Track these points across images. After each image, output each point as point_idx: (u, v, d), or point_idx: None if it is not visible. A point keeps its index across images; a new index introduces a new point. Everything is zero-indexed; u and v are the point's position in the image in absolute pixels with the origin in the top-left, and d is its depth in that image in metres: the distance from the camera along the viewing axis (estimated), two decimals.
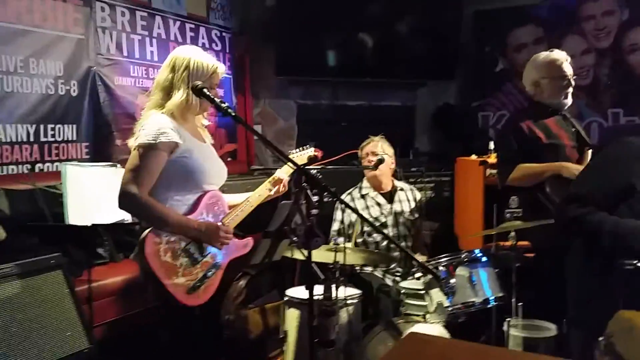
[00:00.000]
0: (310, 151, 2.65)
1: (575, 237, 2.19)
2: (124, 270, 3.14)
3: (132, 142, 2.17)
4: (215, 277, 2.23)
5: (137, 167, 2.09)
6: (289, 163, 2.20)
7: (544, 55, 3.05)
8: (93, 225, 2.89)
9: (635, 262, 1.82)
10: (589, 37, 4.72)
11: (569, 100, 3.03)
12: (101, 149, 3.75)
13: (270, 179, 2.47)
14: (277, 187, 2.46)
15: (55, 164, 3.44)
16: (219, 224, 2.25)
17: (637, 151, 2.06)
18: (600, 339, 0.97)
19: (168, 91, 2.19)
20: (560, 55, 3.02)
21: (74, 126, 3.60)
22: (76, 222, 2.85)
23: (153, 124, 2.12)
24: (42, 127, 3.40)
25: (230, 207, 2.36)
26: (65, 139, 3.55)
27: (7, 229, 2.83)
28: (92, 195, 2.91)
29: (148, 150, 2.09)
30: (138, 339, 2.77)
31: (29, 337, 2.24)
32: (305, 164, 2.53)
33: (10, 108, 3.22)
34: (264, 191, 2.44)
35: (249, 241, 2.41)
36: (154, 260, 2.05)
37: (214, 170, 2.31)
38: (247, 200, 2.39)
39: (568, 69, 3.00)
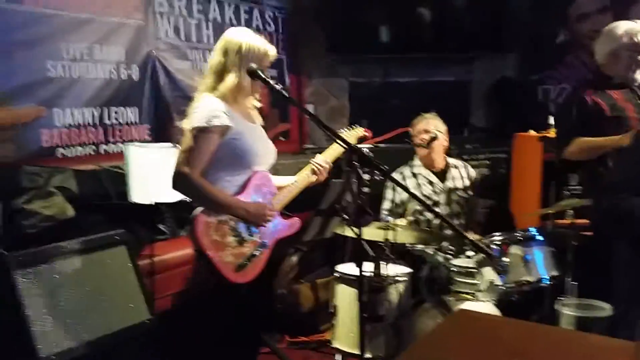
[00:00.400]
0: (360, 131, 2.66)
1: (614, 227, 2.09)
2: (184, 246, 3.28)
3: (186, 125, 2.21)
4: (262, 256, 2.28)
5: (190, 149, 2.14)
6: (340, 142, 2.21)
7: (627, 24, 2.89)
8: (154, 203, 3.02)
9: None
10: None
11: None
12: (162, 130, 3.88)
13: (309, 167, 2.47)
14: (318, 175, 2.46)
15: (119, 145, 3.60)
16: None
17: None
18: None
19: (220, 74, 2.22)
20: None
21: (136, 109, 3.75)
22: (139, 200, 2.98)
23: (206, 107, 2.17)
24: (106, 110, 3.56)
25: (278, 189, 2.40)
26: (128, 121, 3.71)
27: (75, 207, 3.01)
28: (153, 174, 3.03)
29: (201, 133, 2.14)
30: (195, 312, 2.89)
31: (96, 308, 2.38)
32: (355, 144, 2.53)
33: (77, 93, 3.39)
34: (306, 177, 2.45)
35: (296, 221, 2.45)
36: (204, 238, 2.12)
37: (264, 151, 2.35)
38: (295, 182, 2.42)
39: None
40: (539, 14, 4.99)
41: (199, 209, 2.17)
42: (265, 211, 2.25)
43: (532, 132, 4.10)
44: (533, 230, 2.77)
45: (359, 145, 2.44)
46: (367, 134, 2.68)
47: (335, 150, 2.51)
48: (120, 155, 3.21)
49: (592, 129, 2.81)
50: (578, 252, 2.70)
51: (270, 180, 2.37)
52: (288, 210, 2.46)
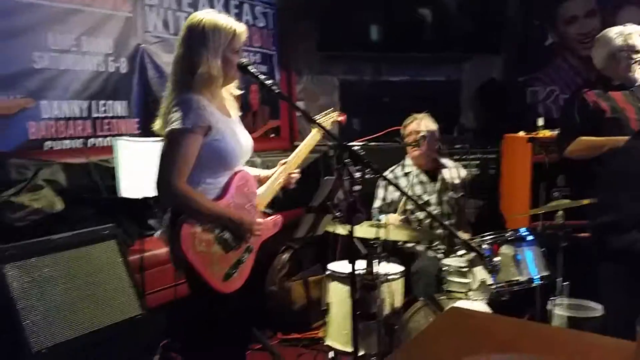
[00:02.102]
0: (334, 115, 2.54)
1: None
2: None
3: (162, 128, 2.03)
4: (248, 261, 2.19)
5: (175, 155, 1.95)
6: (334, 140, 2.16)
7: (619, 28, 2.99)
8: (144, 197, 2.98)
9: None
10: None
11: (639, 75, 2.96)
12: (151, 124, 3.82)
13: (283, 169, 2.35)
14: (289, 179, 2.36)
15: (108, 138, 3.55)
16: (255, 214, 2.18)
17: None
18: None
19: (189, 67, 2.01)
20: (636, 28, 2.97)
21: (125, 102, 3.70)
22: (128, 194, 2.95)
23: (185, 106, 1.97)
24: (94, 103, 3.50)
25: (258, 181, 2.30)
26: (116, 114, 3.65)
27: (64, 200, 2.95)
28: (143, 169, 3.00)
29: (184, 135, 1.95)
30: (186, 307, 2.87)
31: (86, 302, 2.35)
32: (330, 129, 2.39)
33: (65, 85, 3.33)
34: (282, 178, 2.34)
35: (279, 219, 2.33)
36: (190, 252, 1.97)
37: (243, 149, 2.18)
38: (276, 180, 2.31)
39: None
40: (528, 17, 5.04)
41: (181, 219, 1.98)
42: (253, 227, 2.13)
43: (521, 133, 4.14)
44: (523, 231, 2.79)
45: (351, 143, 2.42)
46: (341, 118, 2.57)
47: (307, 147, 2.41)
48: (109, 148, 3.15)
49: (592, 129, 2.88)
50: (568, 253, 2.73)
51: (251, 180, 2.23)
52: (280, 207, 2.42)
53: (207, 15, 2.04)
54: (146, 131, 3.75)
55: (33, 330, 2.12)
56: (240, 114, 2.26)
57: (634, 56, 2.92)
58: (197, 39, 2.00)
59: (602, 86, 3.00)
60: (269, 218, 2.29)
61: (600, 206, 2.07)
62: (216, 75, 2.02)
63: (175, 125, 1.95)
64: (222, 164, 2.09)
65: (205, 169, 2.05)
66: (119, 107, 3.67)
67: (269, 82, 2.08)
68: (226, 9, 4.51)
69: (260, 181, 2.34)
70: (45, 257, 2.27)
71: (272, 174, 2.34)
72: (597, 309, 2.65)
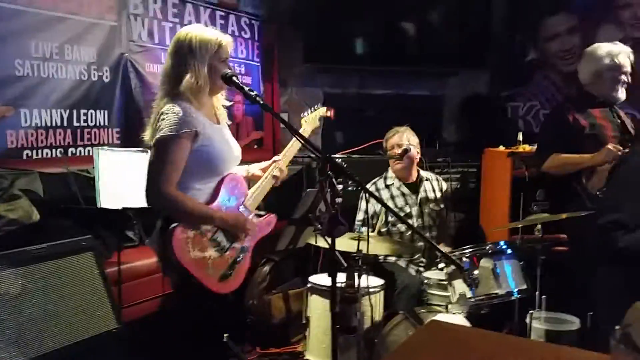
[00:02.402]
0: (322, 110, 2.56)
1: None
2: (152, 253, 3.20)
3: (151, 136, 2.08)
4: (245, 261, 2.22)
5: (163, 162, 2.01)
6: (316, 153, 2.17)
7: (608, 46, 3.02)
8: (123, 208, 2.95)
9: None
10: (625, 26, 4.58)
11: (622, 95, 3.01)
12: (132, 134, 3.80)
13: (274, 166, 2.36)
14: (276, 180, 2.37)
15: (88, 148, 3.52)
16: (248, 215, 2.22)
17: None
18: (617, 327, 0.98)
19: (177, 78, 2.08)
20: (624, 49, 3.02)
21: (106, 112, 3.67)
22: (107, 205, 2.92)
23: (172, 114, 2.03)
24: (75, 112, 3.47)
25: (246, 178, 2.33)
26: (97, 124, 3.62)
27: (41, 211, 2.91)
28: (122, 179, 2.97)
29: (172, 142, 2.01)
30: (165, 321, 2.83)
31: (61, 316, 2.29)
32: (318, 127, 2.53)
33: (46, 93, 3.30)
34: (271, 178, 2.36)
35: (272, 219, 2.36)
36: (183, 256, 2.00)
37: (232, 155, 2.24)
38: (265, 179, 2.33)
39: (627, 63, 2.99)
40: (511, 33, 5.12)
41: (173, 225, 2.01)
42: (246, 224, 2.17)
43: (501, 148, 4.18)
44: (502, 244, 2.80)
45: (333, 156, 2.42)
46: (329, 113, 2.60)
47: (294, 149, 2.43)
48: (89, 158, 3.13)
49: (570, 145, 2.91)
50: (546, 266, 2.75)
51: (240, 181, 2.27)
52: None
53: (194, 29, 2.13)
54: (127, 141, 3.75)
55: (2, 347, 2.05)
56: (229, 122, 2.34)
57: (620, 77, 2.95)
58: (185, 51, 2.08)
59: (582, 102, 3.03)
60: (262, 218, 2.33)
61: (608, 205, 2.13)
62: (202, 83, 2.08)
63: (163, 132, 2.01)
64: (211, 170, 2.14)
65: (194, 175, 2.09)
66: (100, 117, 3.64)
67: (252, 93, 2.11)
68: (212, 19, 4.52)
69: (252, 179, 2.36)
70: (19, 269, 2.21)
71: (265, 172, 2.35)
72: (574, 322, 2.67)
